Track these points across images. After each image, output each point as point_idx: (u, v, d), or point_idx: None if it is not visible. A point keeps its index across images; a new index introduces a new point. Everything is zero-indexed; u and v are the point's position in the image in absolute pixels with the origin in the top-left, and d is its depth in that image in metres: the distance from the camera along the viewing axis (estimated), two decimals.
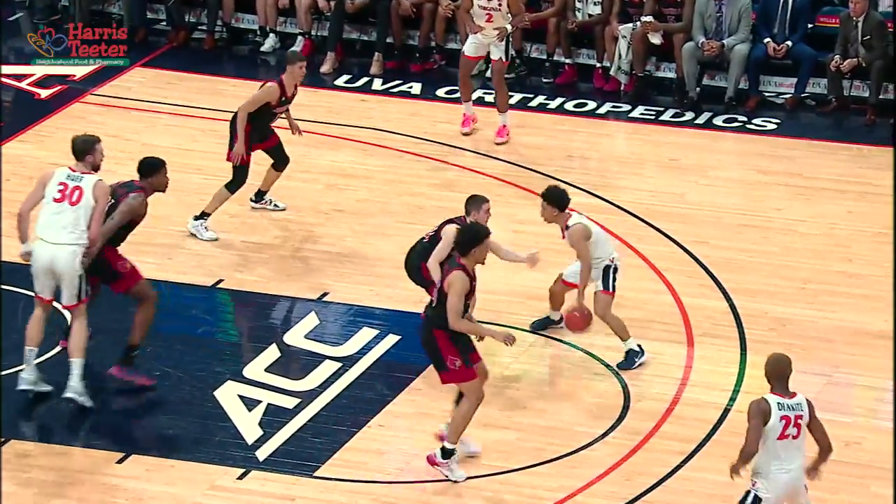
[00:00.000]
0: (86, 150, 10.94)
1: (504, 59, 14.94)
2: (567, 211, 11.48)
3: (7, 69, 16.39)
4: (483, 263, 10.34)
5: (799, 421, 9.06)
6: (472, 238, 10.24)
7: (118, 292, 11.26)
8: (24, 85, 16.01)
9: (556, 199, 11.42)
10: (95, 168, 10.98)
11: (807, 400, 9.15)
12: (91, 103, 15.77)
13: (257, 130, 13.16)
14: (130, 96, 15.91)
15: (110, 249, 11.15)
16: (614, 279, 11.54)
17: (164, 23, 17.32)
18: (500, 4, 14.72)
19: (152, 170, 11.27)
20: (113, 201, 11.06)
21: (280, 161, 13.49)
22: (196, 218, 13.18)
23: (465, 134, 15.21)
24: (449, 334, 10.21)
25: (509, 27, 14.84)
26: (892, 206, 13.62)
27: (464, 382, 10.31)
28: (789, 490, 9.11)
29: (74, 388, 10.90)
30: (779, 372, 9.15)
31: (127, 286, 11.18)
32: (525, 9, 16.27)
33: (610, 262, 11.54)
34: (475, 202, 11.29)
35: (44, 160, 14.29)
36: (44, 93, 15.91)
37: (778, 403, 9.06)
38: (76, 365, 10.90)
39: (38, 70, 16.28)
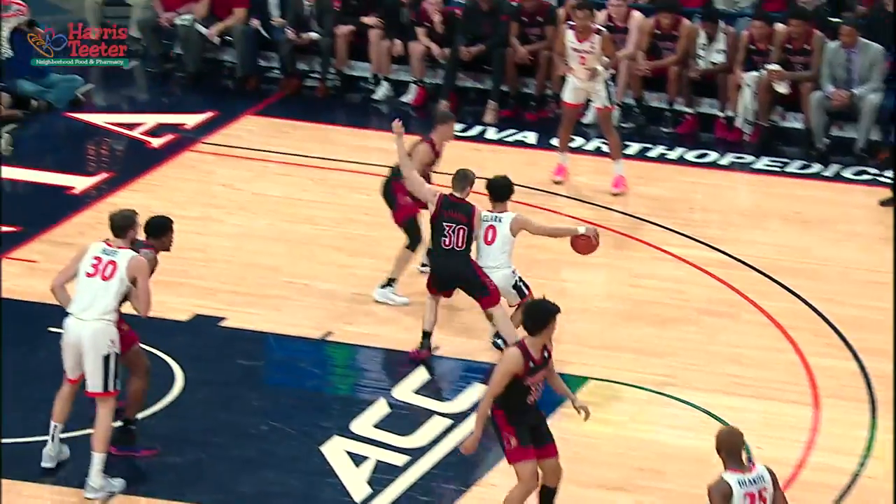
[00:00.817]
0: (125, 225, 10.65)
1: (608, 105, 14.91)
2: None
3: (120, 118, 16.70)
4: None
5: (764, 494, 8.75)
6: (545, 315, 9.79)
7: None
8: (136, 134, 16.28)
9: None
10: (133, 243, 10.76)
11: (768, 470, 8.85)
12: (202, 152, 15.99)
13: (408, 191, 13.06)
14: (241, 145, 16.11)
15: None
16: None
17: (277, 70, 17.55)
18: (592, 47, 14.68)
19: (161, 230, 11.10)
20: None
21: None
22: (383, 286, 13.18)
23: (557, 182, 15.21)
24: (505, 412, 9.91)
25: (601, 69, 14.77)
26: None
27: (516, 463, 10.01)
28: None
29: (93, 485, 10.60)
30: (731, 446, 8.82)
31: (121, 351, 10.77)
32: (646, 56, 16.30)
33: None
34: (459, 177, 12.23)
35: (154, 210, 14.44)
36: (155, 141, 16.15)
37: (738, 481, 8.75)
38: (98, 460, 10.61)
39: (151, 119, 16.55)
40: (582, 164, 15.90)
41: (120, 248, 10.64)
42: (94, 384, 10.57)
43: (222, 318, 12.92)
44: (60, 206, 14.69)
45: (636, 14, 16.65)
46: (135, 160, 15.84)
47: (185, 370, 12.13)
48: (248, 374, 12.22)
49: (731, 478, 8.78)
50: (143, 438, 11.30)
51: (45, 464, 10.84)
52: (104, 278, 10.54)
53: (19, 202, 14.96)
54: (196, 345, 12.51)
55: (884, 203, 14.83)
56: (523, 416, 9.92)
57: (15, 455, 10.85)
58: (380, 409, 11.77)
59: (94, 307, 10.53)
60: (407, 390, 12.04)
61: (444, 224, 12.15)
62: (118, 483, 10.71)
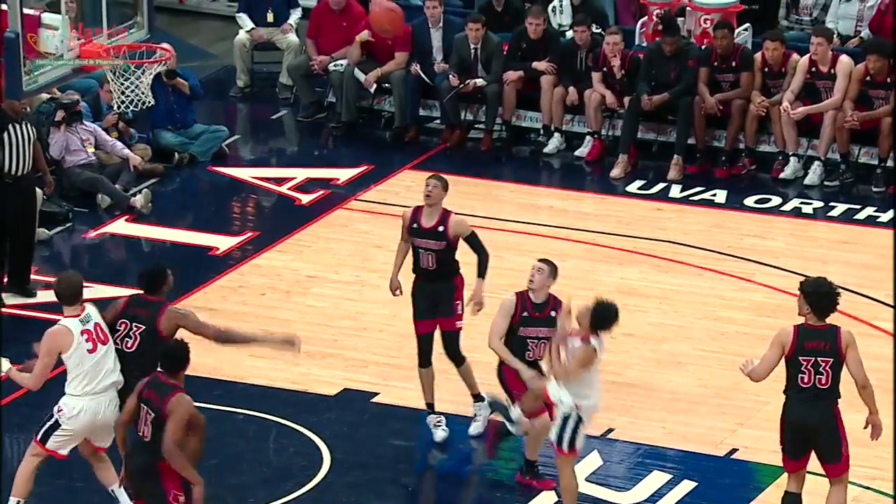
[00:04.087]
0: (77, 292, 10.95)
1: None
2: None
3: (267, 172, 16.91)
4: None
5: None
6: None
7: None
8: (284, 189, 16.46)
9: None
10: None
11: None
12: (355, 209, 16.13)
13: None
14: (398, 202, 16.20)
15: None
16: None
17: (438, 120, 17.65)
18: None
19: (158, 282, 11.17)
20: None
21: None
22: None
23: None
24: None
25: None
26: None
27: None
28: None
29: None
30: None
31: None
32: (855, 106, 16.09)
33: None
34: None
35: (301, 272, 14.69)
36: (305, 198, 16.33)
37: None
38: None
39: (300, 173, 16.74)
40: (777, 226, 15.76)
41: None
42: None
43: (375, 394, 13.00)
44: (202, 268, 14.94)
45: (844, 58, 16.47)
46: (282, 218, 16.05)
47: (331, 450, 12.22)
48: (402, 455, 12.26)
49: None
50: None
51: None
52: (103, 343, 10.91)
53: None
54: (345, 422, 12.59)
55: None
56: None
57: None
58: (546, 499, 11.70)
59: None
60: (579, 478, 11.92)
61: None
62: None
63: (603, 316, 11.06)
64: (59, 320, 10.89)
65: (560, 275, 14.70)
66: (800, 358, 10.58)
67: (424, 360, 12.25)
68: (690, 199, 16.30)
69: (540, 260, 11.85)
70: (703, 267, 14.98)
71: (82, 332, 10.81)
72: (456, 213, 12.25)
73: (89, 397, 10.86)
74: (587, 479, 11.93)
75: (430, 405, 12.39)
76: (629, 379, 13.09)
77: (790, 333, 10.67)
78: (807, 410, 10.61)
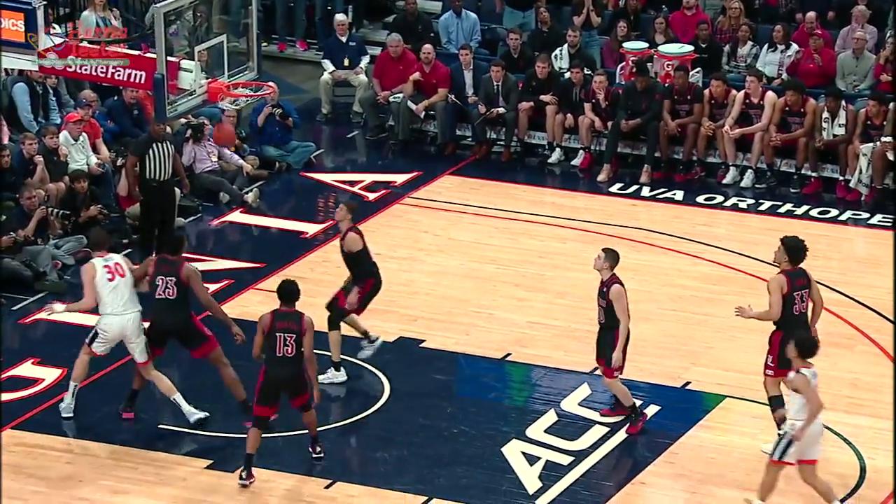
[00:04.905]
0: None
1: None
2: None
3: (344, 176, 16.83)
4: None
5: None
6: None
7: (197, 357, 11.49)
8: (356, 189, 16.39)
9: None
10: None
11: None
12: (408, 205, 16.05)
13: None
14: (440, 199, 16.14)
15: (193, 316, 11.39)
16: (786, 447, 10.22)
17: (470, 139, 17.54)
18: None
19: (178, 248, 11.50)
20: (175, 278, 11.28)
21: None
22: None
23: None
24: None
25: None
26: None
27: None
28: None
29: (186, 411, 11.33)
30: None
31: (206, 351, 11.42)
32: (777, 129, 15.96)
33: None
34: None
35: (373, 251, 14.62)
36: (371, 195, 16.25)
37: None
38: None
39: (368, 177, 16.62)
40: (721, 218, 15.59)
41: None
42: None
43: (423, 341, 12.93)
44: (296, 247, 14.88)
45: (769, 94, 16.30)
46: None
47: (391, 382, 12.18)
48: (442, 386, 12.23)
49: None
50: (352, 437, 11.33)
51: (64, 414, 11.46)
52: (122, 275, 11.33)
53: (264, 244, 15.21)
54: (401, 362, 12.54)
55: None
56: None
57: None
58: (550, 418, 11.68)
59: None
60: (573, 402, 11.91)
61: None
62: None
63: (805, 346, 10.14)
64: None
65: (560, 253, 14.77)
66: (794, 294, 10.86)
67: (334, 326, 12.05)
68: (657, 197, 16.15)
69: (602, 249, 11.48)
70: (666, 248, 14.85)
71: (104, 267, 11.33)
72: (353, 233, 12.00)
73: (115, 316, 11.27)
74: (580, 404, 11.87)
75: (337, 363, 12.10)
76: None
77: (784, 279, 10.90)
78: (804, 328, 10.75)
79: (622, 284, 11.24)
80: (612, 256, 11.36)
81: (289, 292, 10.81)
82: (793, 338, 10.17)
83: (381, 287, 12.18)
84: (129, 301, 11.31)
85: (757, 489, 10.36)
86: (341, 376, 12.15)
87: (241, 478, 10.73)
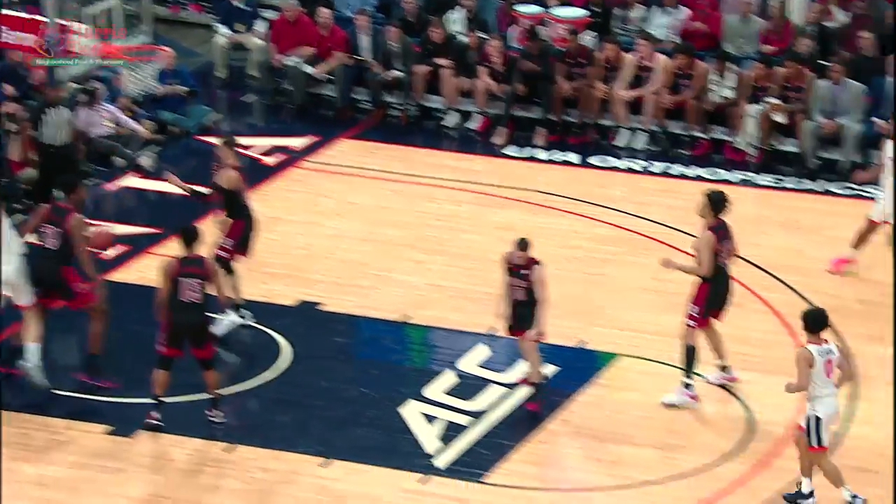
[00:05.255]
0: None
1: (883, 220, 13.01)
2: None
3: (240, 140, 16.66)
4: None
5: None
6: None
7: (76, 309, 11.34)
8: (253, 153, 16.21)
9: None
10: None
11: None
12: (306, 168, 16.02)
13: None
14: (338, 163, 16.13)
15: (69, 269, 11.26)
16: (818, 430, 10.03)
17: (368, 102, 17.45)
18: None
19: (73, 187, 11.32)
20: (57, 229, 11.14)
21: None
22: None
23: (832, 272, 13.38)
24: None
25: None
26: None
27: None
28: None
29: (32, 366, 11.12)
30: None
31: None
32: (668, 91, 16.18)
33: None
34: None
35: (266, 214, 14.56)
36: (269, 160, 16.17)
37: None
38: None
39: (265, 142, 16.52)
40: (615, 180, 15.75)
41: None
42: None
43: (322, 304, 12.94)
44: (192, 211, 14.75)
45: (660, 56, 16.56)
46: (252, 175, 15.74)
47: (292, 346, 12.19)
48: (342, 349, 12.25)
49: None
50: (253, 401, 11.38)
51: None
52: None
53: (160, 209, 15.07)
54: (301, 325, 12.54)
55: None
56: None
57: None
58: (448, 378, 11.76)
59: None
60: (471, 363, 12.02)
61: None
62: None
63: (815, 320, 9.98)
64: None
65: (458, 216, 14.86)
66: (721, 248, 11.19)
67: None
68: (552, 160, 16.27)
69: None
70: (562, 209, 14.97)
71: None
72: (232, 171, 12.10)
73: None
74: (478, 365, 11.98)
75: (239, 305, 12.19)
76: None
77: (712, 236, 11.26)
78: (727, 280, 11.26)
79: (540, 263, 11.28)
80: (523, 243, 11.36)
81: (191, 236, 10.80)
82: (803, 313, 9.99)
83: (256, 229, 12.17)
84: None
85: (654, 446, 10.65)
86: (243, 320, 12.19)
87: (148, 418, 10.76)
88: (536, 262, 11.25)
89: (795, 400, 11.24)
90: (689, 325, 11.30)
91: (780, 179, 15.78)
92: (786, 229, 14.66)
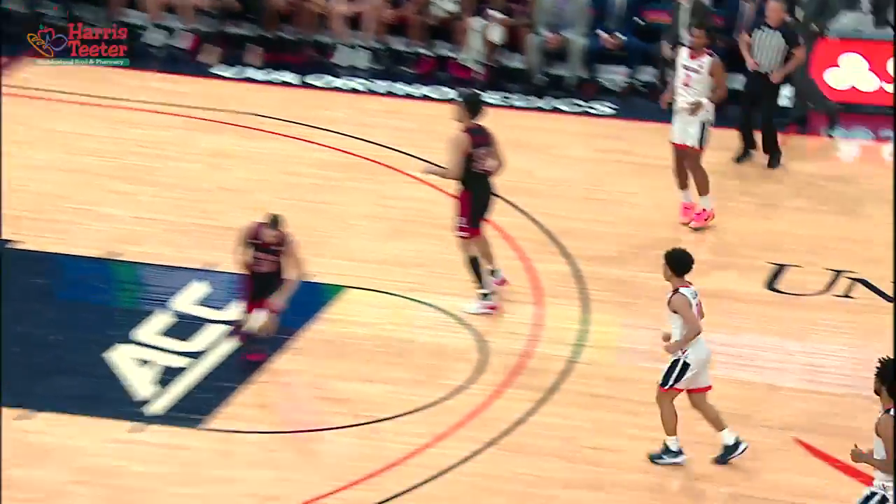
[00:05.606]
0: None
1: (696, 147, 12.50)
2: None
3: None
4: None
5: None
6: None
7: None
8: None
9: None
10: None
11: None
12: None
13: None
14: (30, 86, 15.08)
15: None
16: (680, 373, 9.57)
17: (63, 20, 16.30)
18: (700, 67, 12.32)
19: None
20: None
21: None
22: None
23: (684, 224, 12.72)
24: None
25: (705, 102, 12.35)
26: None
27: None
28: None
29: None
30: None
31: None
32: (388, 5, 15.75)
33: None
34: None
35: None
36: None
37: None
38: None
39: None
40: (336, 100, 15.29)
41: None
42: None
43: (16, 241, 12.11)
44: None
45: None
46: None
47: None
48: (41, 291, 11.58)
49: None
50: None
51: None
52: None
53: None
54: None
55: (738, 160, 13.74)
56: None
57: None
58: (162, 319, 11.21)
59: None
60: (187, 302, 11.48)
61: None
62: None
63: (681, 262, 9.51)
64: None
65: (166, 142, 14.13)
66: (475, 150, 11.04)
67: None
68: (268, 80, 15.68)
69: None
70: (280, 133, 14.50)
71: None
72: None
73: None
74: (194, 303, 11.43)
75: None
76: (226, 223, 12.41)
77: (465, 137, 10.99)
78: (489, 186, 11.21)
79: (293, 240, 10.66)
80: (275, 221, 10.57)
81: None
82: (665, 254, 9.54)
83: None
84: None
85: (374, 380, 10.25)
86: None
87: None
88: (289, 238, 10.61)
89: (528, 328, 11.10)
90: (462, 237, 11.21)
91: (508, 97, 15.62)
92: (514, 149, 14.42)
